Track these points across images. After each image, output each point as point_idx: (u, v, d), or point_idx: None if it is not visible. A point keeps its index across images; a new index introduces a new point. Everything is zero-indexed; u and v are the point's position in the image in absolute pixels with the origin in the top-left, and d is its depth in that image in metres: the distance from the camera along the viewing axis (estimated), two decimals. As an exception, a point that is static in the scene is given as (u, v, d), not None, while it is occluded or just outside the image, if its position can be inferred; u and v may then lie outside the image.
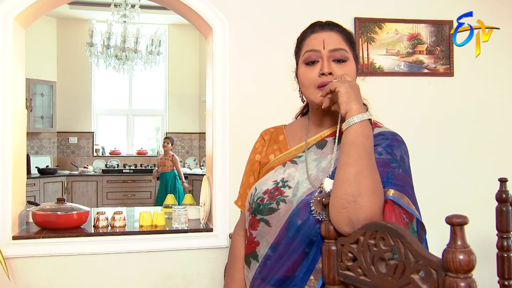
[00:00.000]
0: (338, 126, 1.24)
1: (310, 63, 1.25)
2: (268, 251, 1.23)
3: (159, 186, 7.00)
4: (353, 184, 1.06)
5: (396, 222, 1.07)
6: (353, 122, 1.10)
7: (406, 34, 3.02)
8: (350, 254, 1.08)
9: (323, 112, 1.29)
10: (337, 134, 1.24)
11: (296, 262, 1.18)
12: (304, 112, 1.46)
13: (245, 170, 1.45)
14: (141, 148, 8.39)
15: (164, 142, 6.99)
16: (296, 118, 1.49)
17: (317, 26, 1.28)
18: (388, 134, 1.22)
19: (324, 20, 1.31)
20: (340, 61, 1.23)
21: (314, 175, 1.22)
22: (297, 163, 1.27)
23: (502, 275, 2.16)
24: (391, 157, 1.16)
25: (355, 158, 1.07)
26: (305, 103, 1.41)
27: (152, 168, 7.76)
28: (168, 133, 8.42)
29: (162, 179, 6.92)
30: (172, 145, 7.01)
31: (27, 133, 3.07)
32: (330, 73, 1.22)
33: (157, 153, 8.04)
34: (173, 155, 7.02)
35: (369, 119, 1.12)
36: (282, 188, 1.24)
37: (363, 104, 1.32)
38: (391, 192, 1.10)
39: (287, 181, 1.25)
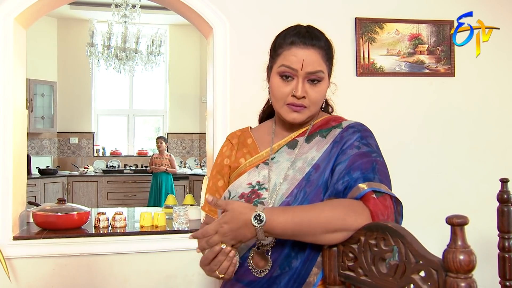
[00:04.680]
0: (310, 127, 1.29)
1: (285, 77, 1.22)
2: (246, 253, 1.22)
3: (152, 185, 7.00)
4: (338, 232, 1.08)
5: (394, 214, 1.11)
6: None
7: (407, 34, 3.02)
8: (351, 254, 1.09)
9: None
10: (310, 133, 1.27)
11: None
12: (267, 111, 1.46)
13: (211, 174, 1.41)
14: (142, 149, 8.39)
15: (158, 142, 7.01)
16: (260, 116, 1.49)
17: (299, 40, 1.21)
18: (358, 126, 1.25)
19: (305, 27, 1.26)
20: (314, 81, 1.22)
21: (291, 176, 1.22)
22: (270, 165, 1.27)
23: (503, 275, 2.16)
24: (369, 148, 1.20)
25: (308, 237, 1.09)
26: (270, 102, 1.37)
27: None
28: (169, 133, 8.42)
29: (157, 178, 6.91)
30: (166, 144, 7.05)
31: (27, 133, 3.07)
32: (304, 97, 1.21)
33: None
34: (170, 154, 7.07)
35: (260, 223, 1.06)
36: (259, 191, 1.24)
37: (328, 104, 1.38)
38: (384, 187, 1.12)
39: (263, 183, 1.25)
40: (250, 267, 1.20)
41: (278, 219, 1.06)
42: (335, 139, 1.23)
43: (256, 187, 1.24)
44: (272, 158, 1.28)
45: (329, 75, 1.28)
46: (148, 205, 6.80)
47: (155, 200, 6.85)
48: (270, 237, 1.13)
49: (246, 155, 1.34)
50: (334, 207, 1.08)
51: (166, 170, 6.94)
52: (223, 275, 1.12)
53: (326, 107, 1.39)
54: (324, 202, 1.14)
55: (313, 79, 1.21)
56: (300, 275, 1.17)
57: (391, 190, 1.15)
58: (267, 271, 1.18)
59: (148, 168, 7.15)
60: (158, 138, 7.17)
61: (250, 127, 1.43)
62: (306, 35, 1.22)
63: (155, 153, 7.19)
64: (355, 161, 1.15)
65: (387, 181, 1.15)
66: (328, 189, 1.17)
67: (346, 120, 1.30)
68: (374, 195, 1.10)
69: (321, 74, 1.22)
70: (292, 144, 1.28)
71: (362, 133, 1.22)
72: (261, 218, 1.05)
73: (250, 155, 1.33)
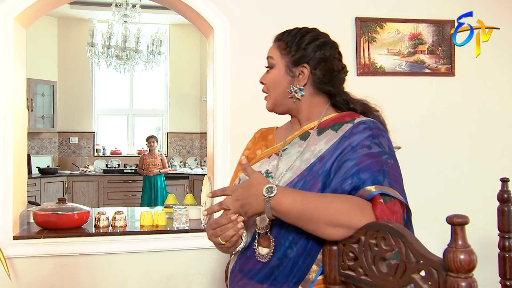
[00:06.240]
0: (320, 119, 1.32)
1: None
2: (250, 241, 1.26)
3: (144, 187, 6.94)
4: (341, 228, 1.09)
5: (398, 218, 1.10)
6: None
7: (407, 33, 3.02)
8: (351, 254, 1.09)
9: (291, 115, 1.40)
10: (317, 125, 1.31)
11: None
12: None
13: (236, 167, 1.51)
14: (142, 148, 8.37)
15: (150, 142, 6.91)
16: None
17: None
18: (370, 123, 1.24)
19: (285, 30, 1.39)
20: (268, 69, 1.36)
21: (296, 166, 1.25)
22: (281, 155, 1.32)
23: (503, 275, 2.16)
24: (380, 149, 1.18)
25: (311, 225, 1.10)
26: None
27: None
28: (169, 133, 8.41)
29: (150, 179, 6.87)
30: (157, 143, 7.01)
31: (28, 133, 3.07)
32: (262, 83, 1.37)
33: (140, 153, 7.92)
34: (161, 154, 7.02)
35: (270, 193, 1.11)
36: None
37: (364, 103, 1.36)
38: (392, 191, 1.11)
39: (271, 172, 1.30)
40: (256, 256, 1.23)
41: (288, 198, 1.10)
42: (344, 134, 1.23)
43: (264, 175, 1.29)
44: (284, 150, 1.33)
45: (289, 63, 1.31)
46: (142, 206, 6.76)
47: (149, 201, 6.83)
48: (275, 216, 1.15)
49: (263, 147, 1.42)
50: (343, 202, 1.09)
51: (160, 172, 6.91)
52: (224, 243, 1.16)
53: (347, 105, 1.37)
54: (334, 194, 1.14)
55: (267, 67, 1.36)
56: (300, 271, 1.18)
57: (403, 194, 1.14)
58: (270, 255, 1.20)
59: (143, 170, 6.94)
60: (150, 137, 7.00)
61: (277, 127, 1.50)
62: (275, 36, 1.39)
63: (145, 153, 7.03)
64: (364, 161, 1.14)
65: (397, 185, 1.14)
66: (332, 180, 1.17)
67: (360, 116, 1.30)
68: (381, 200, 1.09)
69: (271, 60, 1.35)
70: (304, 136, 1.32)
71: (373, 131, 1.21)
72: (272, 190, 1.11)
73: (266, 147, 1.40)
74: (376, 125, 1.24)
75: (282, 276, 1.18)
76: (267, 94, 1.37)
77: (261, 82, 1.37)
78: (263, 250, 1.22)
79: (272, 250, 1.20)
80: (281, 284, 1.18)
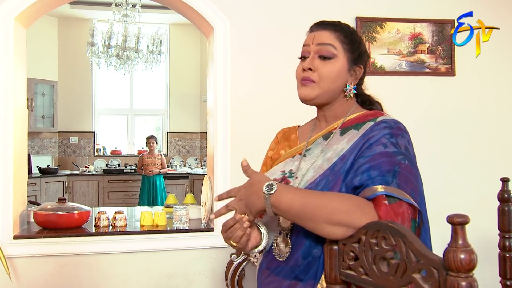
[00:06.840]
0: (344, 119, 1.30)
1: (302, 58, 1.30)
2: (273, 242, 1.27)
3: (143, 186, 6.96)
4: (340, 226, 1.08)
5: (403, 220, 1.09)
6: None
7: (408, 33, 3.02)
8: (352, 254, 1.09)
9: (320, 109, 1.35)
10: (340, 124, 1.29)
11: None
12: None
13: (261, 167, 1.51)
14: (142, 148, 8.38)
15: (150, 142, 6.94)
16: None
17: (314, 25, 1.32)
18: (391, 122, 1.22)
19: (329, 20, 1.33)
20: (326, 58, 1.26)
21: (319, 165, 1.24)
22: (305, 156, 1.31)
23: (504, 275, 2.16)
24: (396, 149, 1.16)
25: (311, 223, 1.10)
26: None
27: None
28: (169, 132, 8.41)
29: (149, 179, 6.88)
30: (157, 143, 7.03)
31: (28, 132, 3.07)
32: (310, 69, 1.25)
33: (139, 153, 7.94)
34: (160, 154, 7.04)
35: (270, 191, 1.12)
36: (288, 178, 1.29)
37: (376, 102, 1.39)
38: (399, 192, 1.10)
39: (294, 172, 1.29)
40: (274, 253, 1.25)
41: (287, 195, 1.10)
42: (365, 132, 1.22)
43: (287, 175, 1.30)
44: (308, 150, 1.32)
45: (351, 60, 1.28)
46: (140, 206, 6.77)
47: (149, 201, 6.84)
48: (279, 215, 1.17)
49: (286, 148, 1.42)
50: (343, 201, 1.09)
51: (160, 172, 6.92)
52: (236, 244, 1.18)
53: (370, 105, 1.39)
54: (335, 193, 1.14)
55: (324, 55, 1.25)
56: (322, 269, 1.18)
57: (416, 196, 1.12)
58: (288, 254, 1.22)
59: (142, 170, 6.95)
60: (149, 137, 7.02)
61: (299, 126, 1.49)
62: (321, 22, 1.31)
63: (145, 153, 7.06)
64: (376, 160, 1.13)
65: (407, 186, 1.12)
66: (347, 178, 1.17)
67: (384, 115, 1.29)
68: (386, 201, 1.08)
69: (331, 49, 1.25)
70: (327, 136, 1.31)
71: (393, 130, 1.19)
72: (271, 187, 1.11)
73: (290, 148, 1.40)
74: (398, 125, 1.22)
75: (303, 274, 1.19)
76: (310, 81, 1.25)
77: (309, 68, 1.25)
78: (282, 250, 1.23)
79: (288, 251, 1.21)
80: (303, 280, 1.19)
